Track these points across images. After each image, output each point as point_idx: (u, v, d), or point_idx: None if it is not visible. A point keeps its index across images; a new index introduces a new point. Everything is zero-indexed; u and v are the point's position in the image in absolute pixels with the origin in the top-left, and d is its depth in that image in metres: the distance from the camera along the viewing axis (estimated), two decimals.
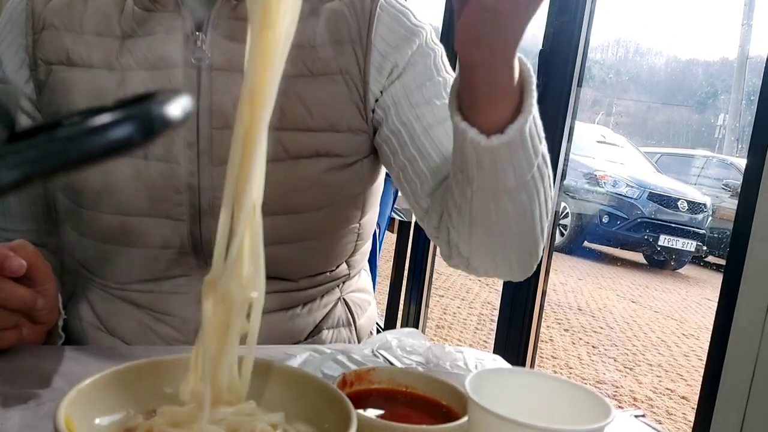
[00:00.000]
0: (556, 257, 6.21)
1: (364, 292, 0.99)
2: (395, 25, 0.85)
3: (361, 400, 0.55)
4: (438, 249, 0.88)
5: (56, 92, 0.80)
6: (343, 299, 0.93)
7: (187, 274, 0.82)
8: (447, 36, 2.06)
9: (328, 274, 0.89)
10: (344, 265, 0.92)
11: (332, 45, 0.81)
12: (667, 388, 3.35)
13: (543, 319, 1.81)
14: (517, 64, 0.63)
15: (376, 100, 0.83)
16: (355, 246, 0.91)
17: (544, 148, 0.70)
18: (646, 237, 6.66)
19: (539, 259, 0.79)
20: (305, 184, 0.81)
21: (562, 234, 6.71)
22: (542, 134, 0.70)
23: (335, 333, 0.91)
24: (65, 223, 0.85)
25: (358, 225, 0.90)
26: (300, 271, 0.86)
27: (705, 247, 6.86)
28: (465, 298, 4.46)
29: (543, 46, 1.65)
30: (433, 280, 2.44)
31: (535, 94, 0.65)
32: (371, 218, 0.94)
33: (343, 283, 0.94)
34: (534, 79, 0.64)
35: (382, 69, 0.83)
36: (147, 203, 0.78)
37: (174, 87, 0.77)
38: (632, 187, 6.92)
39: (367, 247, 0.97)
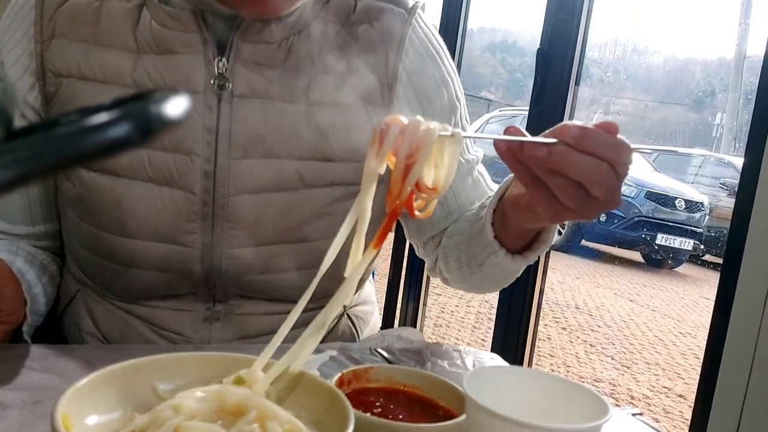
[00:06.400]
0: (554, 256, 6.20)
1: (367, 304, 0.97)
2: (428, 66, 0.85)
3: (359, 398, 0.55)
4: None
5: (66, 106, 0.76)
6: (347, 314, 0.92)
7: (193, 292, 0.80)
8: (445, 30, 2.06)
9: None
10: None
11: (358, 73, 0.80)
12: (664, 387, 3.35)
13: (540, 318, 1.82)
14: None
15: None
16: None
17: None
18: (643, 236, 6.66)
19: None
20: (319, 213, 0.79)
21: (560, 232, 6.68)
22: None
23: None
24: (72, 238, 0.83)
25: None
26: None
27: (702, 246, 6.86)
28: (463, 297, 4.46)
29: (541, 45, 1.65)
30: (431, 278, 2.43)
31: (557, 227, 0.76)
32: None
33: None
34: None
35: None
36: (159, 230, 0.76)
37: (192, 113, 0.75)
38: (630, 185, 6.92)
39: (375, 263, 0.96)
